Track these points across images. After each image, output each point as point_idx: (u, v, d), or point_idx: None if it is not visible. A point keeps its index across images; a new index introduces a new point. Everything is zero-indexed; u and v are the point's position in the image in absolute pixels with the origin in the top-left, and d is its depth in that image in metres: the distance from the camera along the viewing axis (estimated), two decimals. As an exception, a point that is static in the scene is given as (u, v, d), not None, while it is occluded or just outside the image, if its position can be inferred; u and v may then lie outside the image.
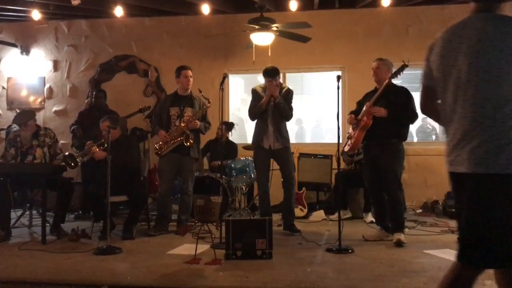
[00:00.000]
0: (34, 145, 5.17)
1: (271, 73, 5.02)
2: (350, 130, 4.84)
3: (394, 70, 4.69)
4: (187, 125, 5.10)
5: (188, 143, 5.08)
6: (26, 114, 5.36)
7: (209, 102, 5.28)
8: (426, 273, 3.45)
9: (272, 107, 5.00)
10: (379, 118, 4.50)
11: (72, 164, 4.88)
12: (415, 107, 4.55)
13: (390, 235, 4.62)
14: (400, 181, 4.59)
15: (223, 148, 6.28)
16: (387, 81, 4.56)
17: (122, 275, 3.46)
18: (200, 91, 5.30)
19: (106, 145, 4.71)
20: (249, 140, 8.05)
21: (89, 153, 4.91)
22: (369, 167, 4.74)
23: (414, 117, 4.58)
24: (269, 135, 5.02)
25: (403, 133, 4.62)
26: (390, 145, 4.55)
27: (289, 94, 5.12)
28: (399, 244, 4.35)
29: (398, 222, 4.53)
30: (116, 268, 3.67)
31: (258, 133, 5.12)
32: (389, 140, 4.54)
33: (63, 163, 4.97)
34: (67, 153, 5.04)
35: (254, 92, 5.22)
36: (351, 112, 4.90)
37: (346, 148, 4.86)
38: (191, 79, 5.27)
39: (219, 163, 6.10)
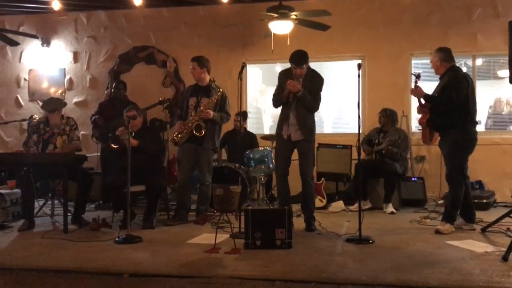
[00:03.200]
0: (56, 133, 5.24)
1: (297, 60, 4.60)
2: None
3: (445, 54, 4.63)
4: (199, 115, 5.10)
5: (199, 133, 5.08)
6: (55, 102, 5.49)
7: (219, 91, 5.23)
8: (449, 264, 3.39)
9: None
10: (433, 110, 4.52)
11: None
12: (453, 93, 4.41)
13: (468, 224, 4.65)
14: (457, 172, 4.49)
15: (242, 139, 6.28)
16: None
17: (143, 264, 3.48)
18: (214, 80, 5.27)
19: (133, 133, 4.77)
20: (266, 131, 8.09)
21: (123, 139, 4.90)
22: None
23: (449, 102, 4.43)
24: (290, 125, 4.66)
25: (456, 121, 4.47)
26: (447, 135, 4.55)
27: (317, 83, 4.71)
28: (437, 232, 4.44)
29: (447, 211, 4.59)
30: (137, 257, 3.70)
31: (280, 122, 4.82)
32: (446, 130, 4.55)
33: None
34: (111, 134, 5.23)
35: (280, 76, 4.85)
36: None
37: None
38: (193, 70, 5.23)
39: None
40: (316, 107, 4.75)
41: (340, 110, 8.68)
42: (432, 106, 4.55)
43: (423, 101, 4.61)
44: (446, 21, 7.01)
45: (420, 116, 4.76)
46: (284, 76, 4.80)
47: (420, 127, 4.93)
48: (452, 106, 4.43)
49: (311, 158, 4.78)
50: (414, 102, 7.08)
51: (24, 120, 6.73)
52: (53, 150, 5.16)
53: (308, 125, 4.69)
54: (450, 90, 4.43)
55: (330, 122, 8.77)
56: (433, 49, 4.76)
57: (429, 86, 4.89)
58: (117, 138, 4.98)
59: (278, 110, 5.02)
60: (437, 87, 4.65)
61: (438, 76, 4.74)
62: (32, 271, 3.41)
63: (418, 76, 4.62)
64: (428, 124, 4.64)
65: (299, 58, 4.62)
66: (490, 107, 7.54)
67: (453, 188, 4.53)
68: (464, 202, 4.63)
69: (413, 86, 4.67)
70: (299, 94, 4.57)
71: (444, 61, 4.59)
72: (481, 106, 7.48)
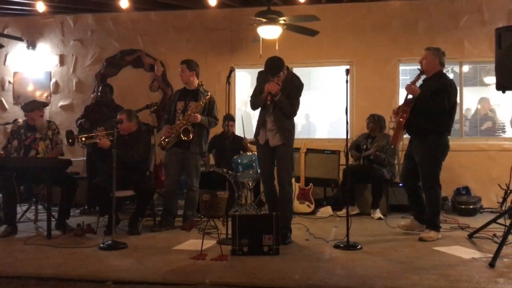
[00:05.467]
0: (37, 138, 5.15)
1: (272, 70, 4.35)
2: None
3: (443, 59, 4.60)
4: (187, 119, 5.06)
5: (186, 137, 5.03)
6: (37, 102, 5.45)
7: (207, 95, 5.18)
8: (437, 270, 3.38)
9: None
10: (417, 112, 4.43)
11: (70, 140, 5.17)
12: (444, 99, 4.38)
13: (423, 226, 4.62)
14: (434, 178, 4.47)
15: (230, 143, 6.24)
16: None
17: (127, 271, 3.42)
18: (202, 84, 5.23)
19: (112, 138, 4.69)
20: (255, 135, 8.06)
21: (95, 138, 5.01)
22: (407, 160, 4.75)
23: (439, 108, 4.39)
24: (267, 130, 4.44)
25: (441, 128, 4.48)
26: (426, 140, 4.48)
27: (295, 87, 4.46)
28: (421, 240, 4.38)
29: (429, 219, 4.52)
30: (121, 263, 3.63)
31: (257, 127, 4.63)
32: (426, 135, 4.48)
33: (65, 139, 5.25)
34: (68, 129, 5.15)
35: (259, 77, 4.63)
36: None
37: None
38: (182, 73, 5.19)
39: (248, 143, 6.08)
40: (293, 113, 4.49)
41: (328, 115, 8.69)
42: (420, 108, 4.44)
43: (409, 99, 4.52)
44: (434, 28, 7.07)
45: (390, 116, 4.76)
46: (263, 76, 4.57)
47: (391, 126, 4.93)
48: (442, 111, 4.41)
49: (290, 163, 4.49)
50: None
51: (8, 123, 6.60)
52: (35, 156, 5.06)
53: (286, 129, 4.45)
54: (443, 95, 4.38)
55: (318, 127, 8.76)
56: (420, 55, 4.70)
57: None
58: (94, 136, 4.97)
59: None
60: (424, 89, 4.55)
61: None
62: (14, 278, 3.32)
63: (422, 73, 4.52)
64: (405, 125, 4.56)
65: (274, 68, 4.37)
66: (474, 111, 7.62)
67: (431, 195, 4.49)
68: (416, 202, 4.66)
69: (409, 82, 4.55)
70: (276, 98, 4.33)
71: (440, 64, 4.56)
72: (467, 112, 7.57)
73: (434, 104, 4.39)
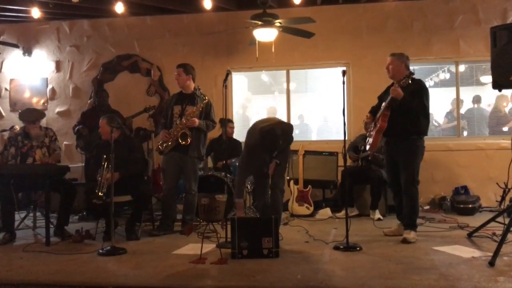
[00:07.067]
0: (34, 145, 5.13)
1: (272, 151, 4.38)
2: (372, 130, 4.69)
3: (408, 63, 4.59)
4: (185, 123, 5.05)
5: (184, 142, 5.02)
6: (36, 112, 5.37)
7: (205, 99, 5.19)
8: (437, 270, 3.38)
9: None
10: (398, 115, 4.39)
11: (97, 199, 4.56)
12: (424, 100, 4.41)
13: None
14: (415, 178, 4.46)
15: (227, 146, 6.24)
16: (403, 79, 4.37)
17: (127, 276, 3.40)
18: (199, 88, 5.24)
19: (110, 144, 4.63)
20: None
21: (107, 182, 4.57)
22: (389, 163, 4.71)
23: (420, 108, 4.39)
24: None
25: (421, 129, 4.48)
26: (408, 142, 4.46)
27: (288, 146, 4.61)
28: (405, 241, 4.31)
29: (409, 219, 4.47)
30: (121, 269, 3.62)
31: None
32: (407, 136, 4.46)
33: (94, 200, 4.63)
34: (94, 200, 4.59)
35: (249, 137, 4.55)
36: (371, 110, 4.75)
37: (367, 147, 4.77)
38: (179, 77, 5.18)
39: (224, 162, 6.08)
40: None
41: (325, 117, 8.70)
42: (402, 110, 4.37)
43: (388, 103, 4.45)
44: (429, 28, 7.09)
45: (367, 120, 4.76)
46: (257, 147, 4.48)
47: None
48: (423, 111, 4.41)
49: (285, 169, 4.70)
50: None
51: (4, 130, 6.58)
52: (32, 164, 5.03)
53: None
54: (421, 96, 4.39)
55: (316, 129, 8.77)
56: (416, 55, 4.73)
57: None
58: (99, 196, 4.62)
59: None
60: (404, 92, 4.43)
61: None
62: (12, 286, 3.31)
63: (413, 74, 4.44)
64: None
65: (274, 149, 4.33)
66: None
67: (413, 194, 4.46)
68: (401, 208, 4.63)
69: (396, 85, 4.43)
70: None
71: (405, 68, 4.56)
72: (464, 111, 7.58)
73: (417, 104, 4.38)
